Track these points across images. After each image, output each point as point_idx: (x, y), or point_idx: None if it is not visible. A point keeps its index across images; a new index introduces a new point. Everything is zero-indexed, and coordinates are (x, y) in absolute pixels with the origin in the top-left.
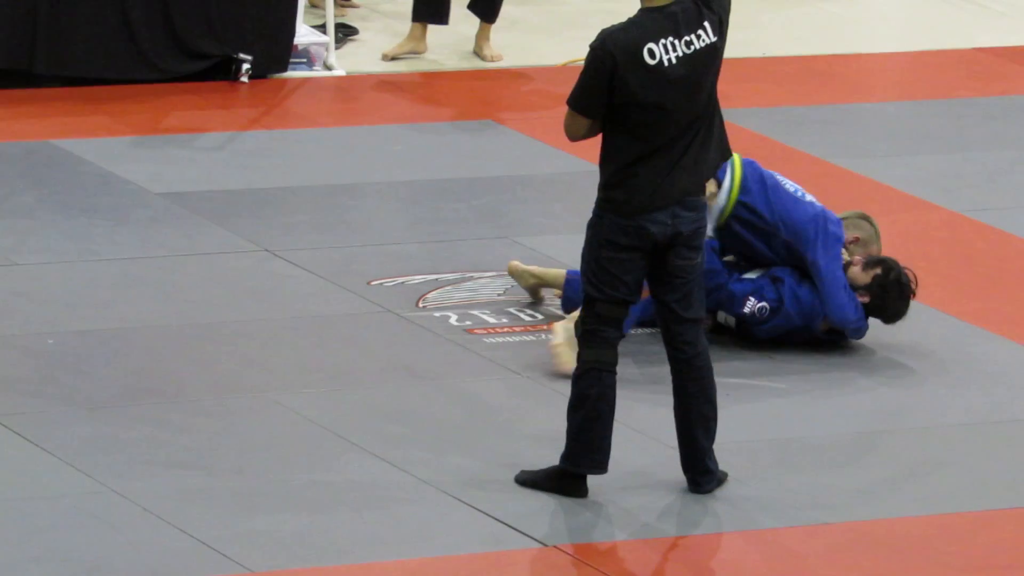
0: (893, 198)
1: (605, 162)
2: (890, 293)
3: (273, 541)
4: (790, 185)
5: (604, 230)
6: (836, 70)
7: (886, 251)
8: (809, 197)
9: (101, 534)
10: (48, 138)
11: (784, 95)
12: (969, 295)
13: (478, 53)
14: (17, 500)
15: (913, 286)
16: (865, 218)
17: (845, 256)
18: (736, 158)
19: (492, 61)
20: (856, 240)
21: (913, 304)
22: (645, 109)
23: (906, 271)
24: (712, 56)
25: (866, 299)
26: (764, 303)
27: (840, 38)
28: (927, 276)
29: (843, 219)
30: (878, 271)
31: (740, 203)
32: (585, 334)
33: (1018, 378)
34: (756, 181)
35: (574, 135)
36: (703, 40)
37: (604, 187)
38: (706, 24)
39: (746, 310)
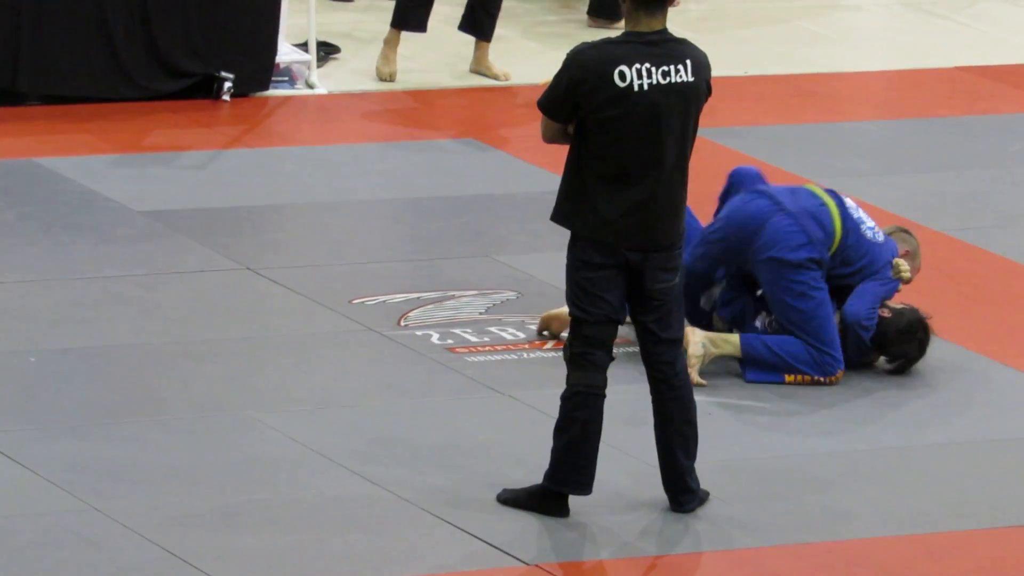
0: (874, 217)
1: (565, 173)
2: (914, 332)
3: (255, 559)
4: (868, 230)
5: (578, 251)
6: (817, 89)
7: None
8: (880, 237)
9: (82, 552)
10: (30, 156)
11: (765, 114)
12: (951, 315)
13: (484, 72)
14: None
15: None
16: (907, 232)
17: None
18: (838, 225)
19: (503, 78)
20: (907, 253)
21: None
22: (608, 129)
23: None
24: (688, 95)
25: (886, 314)
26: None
27: (821, 57)
28: (907, 295)
29: (889, 234)
30: (909, 307)
31: (834, 276)
32: (573, 357)
33: (999, 398)
34: (846, 250)
35: (545, 137)
36: (681, 76)
37: (559, 198)
38: (688, 62)
39: (757, 323)
